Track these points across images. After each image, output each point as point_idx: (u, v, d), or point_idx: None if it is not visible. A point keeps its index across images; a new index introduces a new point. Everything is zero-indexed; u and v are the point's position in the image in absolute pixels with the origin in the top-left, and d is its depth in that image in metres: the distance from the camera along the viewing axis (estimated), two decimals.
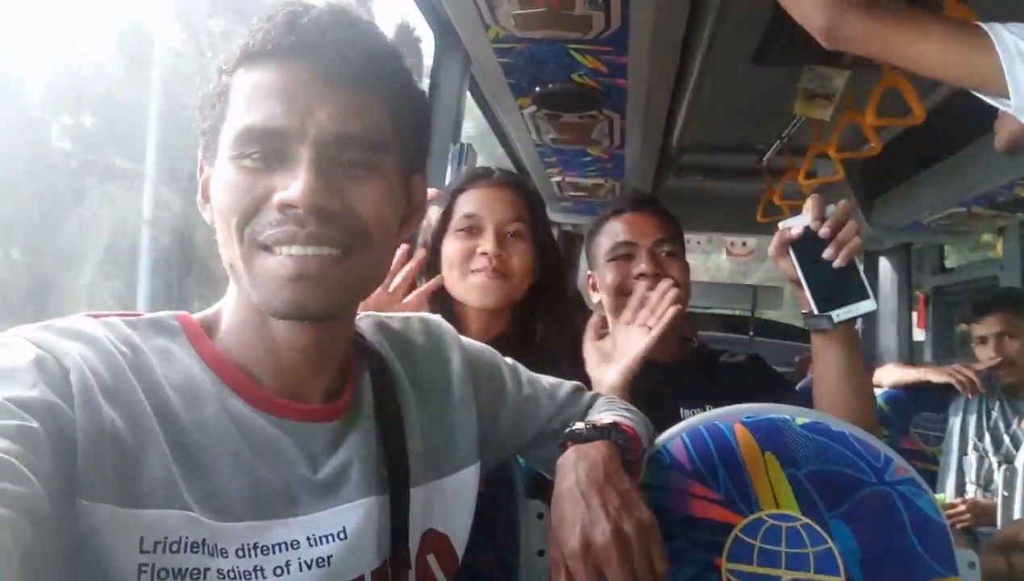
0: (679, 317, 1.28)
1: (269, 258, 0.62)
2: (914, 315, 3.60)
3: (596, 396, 0.97)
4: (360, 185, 0.64)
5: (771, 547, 0.89)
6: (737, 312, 3.68)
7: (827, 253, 1.08)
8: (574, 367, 1.21)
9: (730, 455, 0.92)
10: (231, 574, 0.58)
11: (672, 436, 0.95)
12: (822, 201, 1.10)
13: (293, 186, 0.61)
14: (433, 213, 1.27)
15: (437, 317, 0.88)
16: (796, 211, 1.19)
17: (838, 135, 2.04)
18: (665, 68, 1.87)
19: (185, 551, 0.56)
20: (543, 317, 1.29)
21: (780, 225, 1.14)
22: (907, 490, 0.90)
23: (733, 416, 0.95)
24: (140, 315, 0.66)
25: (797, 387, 1.48)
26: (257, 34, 0.64)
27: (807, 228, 1.09)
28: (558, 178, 3.00)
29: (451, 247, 1.25)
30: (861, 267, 1.10)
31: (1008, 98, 0.95)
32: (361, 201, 0.64)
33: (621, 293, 1.34)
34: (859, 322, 1.49)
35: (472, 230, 1.25)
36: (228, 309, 0.68)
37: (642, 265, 1.33)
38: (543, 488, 0.94)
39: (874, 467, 0.91)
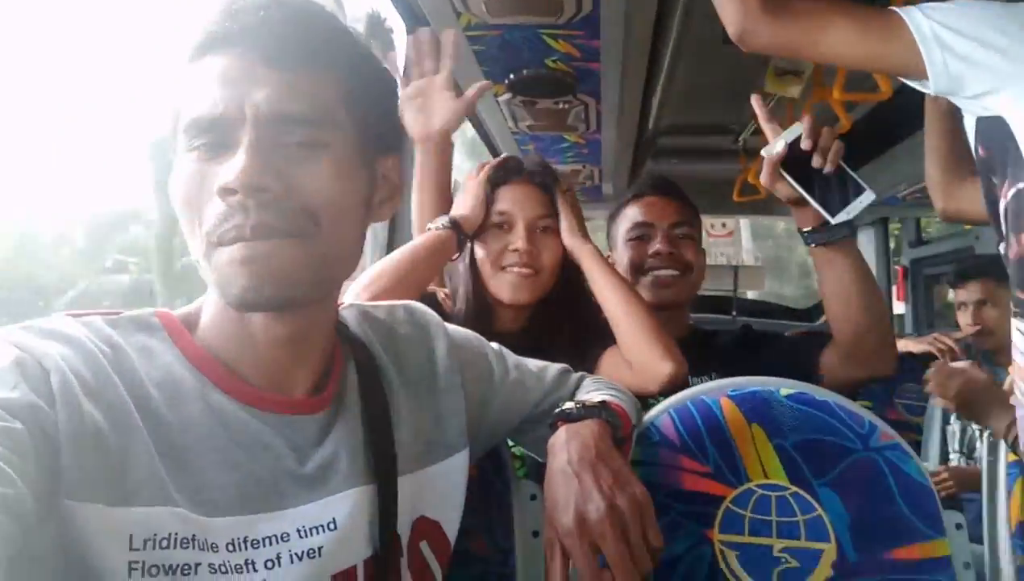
0: (688, 297, 1.41)
1: (223, 250, 0.61)
2: (893, 289, 3.64)
3: (583, 377, 0.97)
4: (305, 165, 0.62)
5: (762, 517, 0.90)
6: (719, 293, 3.71)
7: (815, 161, 1.13)
8: (592, 348, 1.23)
9: (717, 428, 0.93)
10: (222, 568, 0.57)
11: (660, 412, 0.96)
12: (813, 118, 1.16)
13: (231, 169, 0.59)
14: (458, 201, 1.28)
15: (421, 305, 0.88)
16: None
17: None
18: (638, 50, 1.87)
19: (175, 547, 0.55)
20: (567, 305, 1.31)
21: (763, 152, 1.19)
22: (893, 455, 0.92)
23: (719, 390, 0.96)
24: (120, 313, 0.65)
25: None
26: (198, 28, 0.62)
27: (790, 145, 1.15)
28: None
29: (484, 244, 1.29)
30: (847, 168, 1.15)
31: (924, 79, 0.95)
32: (307, 181, 0.61)
33: (638, 272, 1.42)
34: None
35: (504, 226, 1.28)
36: (208, 304, 0.68)
37: (657, 245, 1.41)
38: (535, 470, 0.94)
39: (859, 434, 0.92)
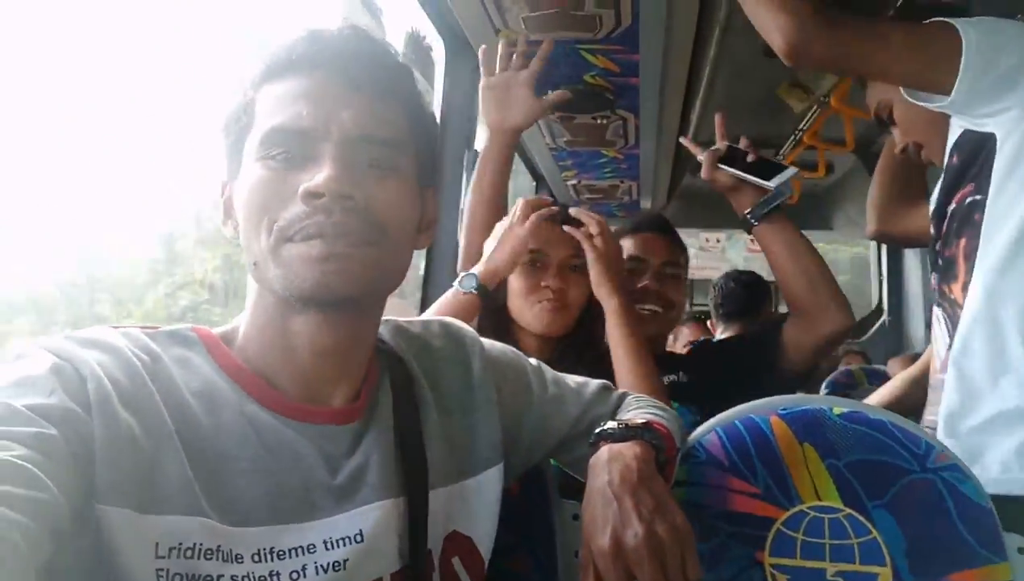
0: (667, 331, 1.56)
1: (297, 245, 0.64)
2: None
3: (624, 395, 0.95)
4: (380, 183, 0.67)
5: (814, 539, 0.88)
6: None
7: (747, 152, 1.41)
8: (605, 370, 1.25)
9: (767, 448, 0.91)
10: (247, 580, 0.58)
11: (707, 431, 0.93)
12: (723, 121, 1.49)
13: (318, 176, 0.63)
14: (491, 248, 1.32)
15: (457, 321, 0.88)
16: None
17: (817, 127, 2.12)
18: (677, 64, 1.86)
19: (200, 557, 0.56)
20: (590, 340, 1.38)
21: (708, 152, 1.46)
22: (950, 476, 0.88)
23: (769, 409, 0.93)
24: (158, 327, 0.67)
25: None
26: (280, 50, 0.68)
27: (729, 146, 1.45)
28: (574, 181, 2.99)
29: (519, 279, 1.36)
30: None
31: (946, 95, 1.02)
32: (381, 197, 0.66)
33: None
34: None
35: (537, 264, 1.35)
36: (246, 320, 0.70)
37: (647, 280, 1.48)
38: (577, 489, 0.93)
39: (915, 454, 0.89)
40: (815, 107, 2.18)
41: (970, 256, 1.07)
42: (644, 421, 0.81)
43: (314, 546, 0.62)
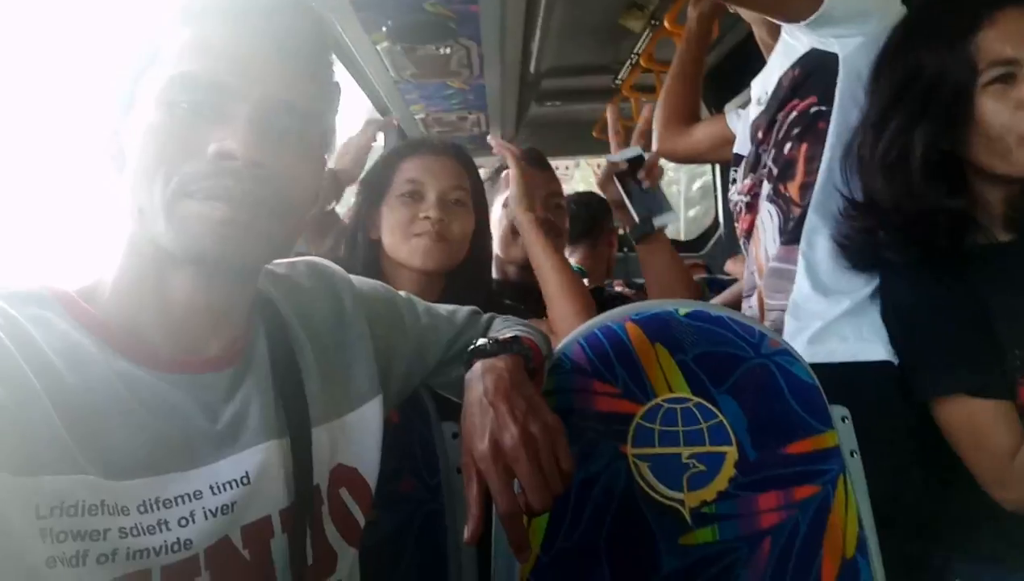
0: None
1: (198, 204, 0.62)
2: None
3: (493, 317, 1.00)
4: (292, 154, 0.66)
5: (669, 428, 0.97)
6: None
7: (643, 176, 1.48)
8: None
9: (624, 351, 0.98)
10: (134, 531, 0.58)
11: (570, 342, 1.00)
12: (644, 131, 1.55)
13: (232, 138, 0.61)
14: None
15: (323, 260, 0.88)
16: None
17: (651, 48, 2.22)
18: None
19: (84, 514, 0.55)
20: (476, 279, 1.37)
21: (607, 159, 1.50)
22: (782, 359, 1.00)
23: (623, 315, 1.00)
24: (6, 288, 0.63)
25: None
26: None
27: (630, 162, 1.47)
28: (422, 115, 2.95)
29: (393, 212, 1.29)
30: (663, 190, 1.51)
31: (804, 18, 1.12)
32: (292, 169, 0.66)
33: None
34: None
35: (415, 195, 1.29)
36: (113, 273, 0.67)
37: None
38: (453, 410, 0.97)
39: (751, 343, 1.00)
40: (648, 30, 2.26)
41: (813, 160, 1.18)
42: (513, 335, 0.86)
43: (200, 492, 0.62)
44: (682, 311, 1.01)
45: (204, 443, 0.64)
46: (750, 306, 1.32)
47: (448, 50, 2.16)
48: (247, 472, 0.65)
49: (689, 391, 0.98)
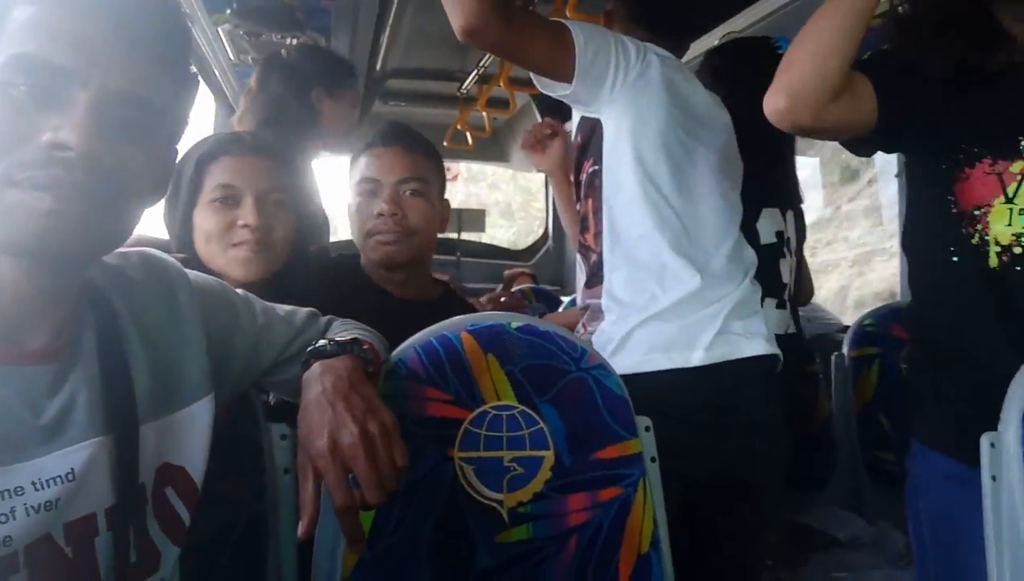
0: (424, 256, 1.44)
1: (24, 193, 0.58)
2: None
3: (332, 320, 1.01)
4: (131, 146, 0.63)
5: (494, 433, 1.03)
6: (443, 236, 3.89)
7: None
8: None
9: (458, 359, 1.03)
10: None
11: (406, 349, 1.03)
12: None
13: (70, 128, 0.58)
14: None
15: (158, 252, 0.85)
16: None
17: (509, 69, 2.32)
18: None
19: None
20: (297, 281, 1.25)
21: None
22: (598, 373, 1.09)
23: (460, 326, 1.06)
24: None
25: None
26: None
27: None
28: None
29: (207, 219, 1.16)
30: None
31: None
32: (130, 163, 0.63)
33: (366, 234, 1.39)
34: None
35: (229, 201, 1.17)
36: None
37: (382, 204, 1.36)
38: (285, 411, 0.97)
39: (573, 357, 1.09)
40: None
41: (598, 211, 1.35)
42: (352, 337, 0.88)
43: (22, 488, 0.60)
44: (514, 325, 1.07)
45: (27, 437, 0.62)
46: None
47: (294, 41, 2.12)
48: (72, 469, 0.63)
49: (515, 399, 1.05)
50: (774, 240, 1.72)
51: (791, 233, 1.77)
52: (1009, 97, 1.07)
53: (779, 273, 1.72)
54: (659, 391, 1.20)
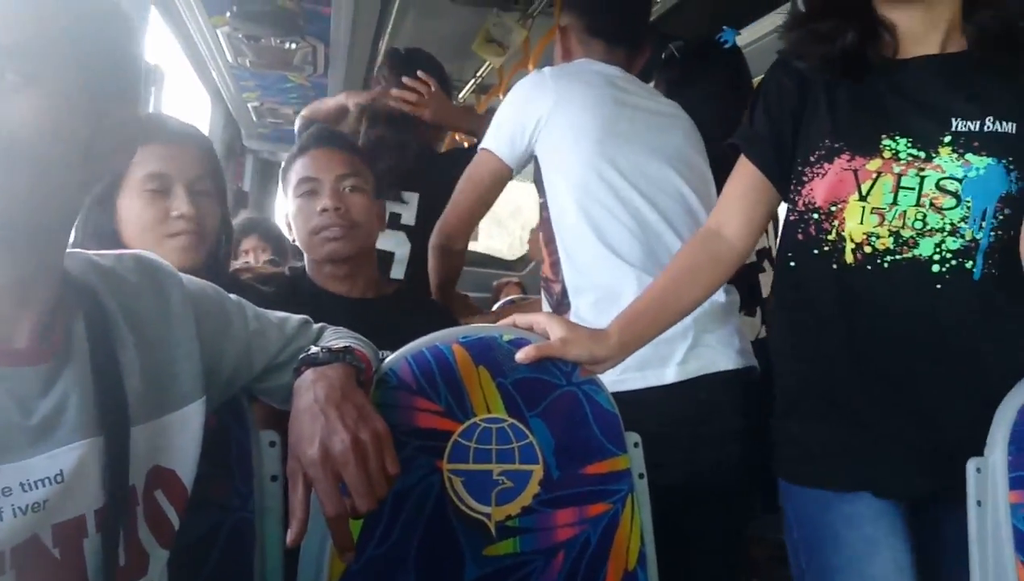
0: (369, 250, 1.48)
1: None
2: None
3: (324, 327, 1.01)
4: (10, 98, 0.59)
5: (484, 446, 1.03)
6: None
7: None
8: None
9: (449, 371, 1.03)
10: None
11: (398, 359, 1.03)
12: None
13: None
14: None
15: (152, 254, 0.85)
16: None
17: (507, 81, 2.33)
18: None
19: None
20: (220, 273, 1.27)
21: None
22: (589, 389, 1.09)
23: (452, 337, 1.06)
24: None
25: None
26: None
27: None
28: (255, 103, 2.86)
29: (137, 209, 1.15)
30: None
31: None
32: (14, 114, 0.59)
33: (310, 232, 1.39)
34: None
35: (158, 191, 1.15)
36: None
37: (324, 200, 1.39)
38: (275, 418, 0.97)
39: (563, 372, 1.09)
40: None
41: (550, 244, 1.41)
42: (344, 346, 0.88)
43: (10, 489, 0.59)
44: (506, 337, 1.08)
45: (16, 438, 0.61)
46: None
47: (293, 45, 2.13)
48: (62, 470, 0.63)
49: (505, 412, 1.05)
50: (754, 259, 1.72)
51: (771, 243, 1.77)
52: (877, 94, 1.09)
53: (758, 289, 1.73)
54: (634, 410, 1.19)
